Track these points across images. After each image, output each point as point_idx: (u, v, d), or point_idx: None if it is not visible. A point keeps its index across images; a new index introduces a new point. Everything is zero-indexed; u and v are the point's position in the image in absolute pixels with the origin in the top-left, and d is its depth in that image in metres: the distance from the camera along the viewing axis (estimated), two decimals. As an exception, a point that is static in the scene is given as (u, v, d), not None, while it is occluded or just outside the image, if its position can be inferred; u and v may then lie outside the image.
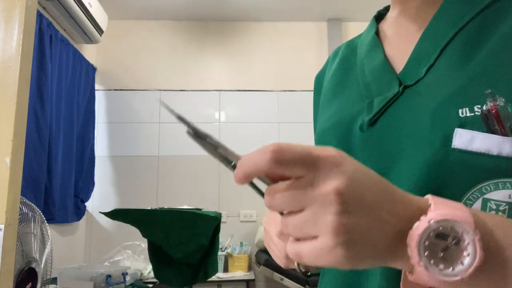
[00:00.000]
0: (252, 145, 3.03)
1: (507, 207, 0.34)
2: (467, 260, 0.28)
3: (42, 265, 1.33)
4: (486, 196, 0.35)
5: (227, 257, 2.76)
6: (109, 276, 1.84)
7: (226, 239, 2.81)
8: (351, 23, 3.37)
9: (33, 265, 1.27)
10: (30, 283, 1.24)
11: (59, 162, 2.50)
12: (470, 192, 0.36)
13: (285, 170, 0.28)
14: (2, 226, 0.93)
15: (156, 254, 1.59)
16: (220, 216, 1.72)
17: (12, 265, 0.97)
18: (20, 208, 1.10)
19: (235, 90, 3.23)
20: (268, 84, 3.21)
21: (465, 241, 0.28)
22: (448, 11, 0.47)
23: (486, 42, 0.41)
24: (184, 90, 3.22)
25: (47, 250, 1.37)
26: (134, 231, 1.58)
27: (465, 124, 0.37)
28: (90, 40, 2.81)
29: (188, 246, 1.57)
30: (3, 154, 0.98)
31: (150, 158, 3.11)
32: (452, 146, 0.37)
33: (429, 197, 0.31)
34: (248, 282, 2.59)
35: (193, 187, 3.05)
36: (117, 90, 3.20)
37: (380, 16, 0.62)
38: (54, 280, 1.79)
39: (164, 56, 3.28)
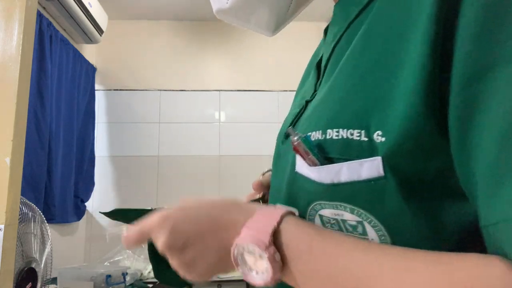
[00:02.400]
0: (252, 145, 3.03)
1: (335, 221, 0.38)
2: (266, 271, 0.36)
3: (42, 265, 1.33)
4: (320, 212, 0.39)
5: (227, 257, 2.76)
6: (109, 276, 1.84)
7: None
8: (351, 23, 3.37)
9: (33, 265, 1.27)
10: (30, 283, 1.24)
11: (59, 162, 2.50)
12: (310, 208, 0.40)
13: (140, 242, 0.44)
14: (2, 226, 0.93)
15: (156, 254, 1.58)
16: (220, 216, 1.71)
17: (12, 265, 0.97)
18: (20, 208, 1.10)
19: (235, 90, 3.23)
20: (268, 84, 3.21)
21: (262, 258, 0.36)
22: (335, 23, 0.47)
23: (344, 58, 0.41)
24: (184, 90, 3.22)
25: (47, 250, 1.37)
26: (134, 231, 1.59)
27: None
28: (90, 40, 2.81)
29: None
30: (3, 154, 0.98)
31: (150, 158, 3.11)
32: (295, 169, 0.41)
33: (252, 217, 0.38)
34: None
35: (193, 187, 3.05)
36: (117, 90, 3.20)
37: None
38: (54, 280, 1.79)
39: (164, 56, 3.28)
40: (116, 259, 2.48)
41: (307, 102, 0.47)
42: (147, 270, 2.41)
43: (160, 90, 3.22)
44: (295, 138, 0.38)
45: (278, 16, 0.52)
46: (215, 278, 2.35)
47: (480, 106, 0.29)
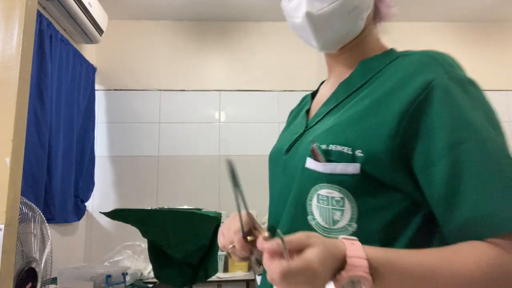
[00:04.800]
0: (252, 145, 3.02)
1: (326, 198, 0.61)
2: None
3: (42, 265, 1.33)
4: (318, 192, 0.62)
5: (227, 257, 2.75)
6: (109, 276, 1.84)
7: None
8: (351, 23, 3.37)
9: (33, 265, 1.27)
10: (30, 283, 1.24)
11: (59, 162, 2.50)
12: (313, 188, 0.62)
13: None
14: (2, 226, 0.93)
15: (156, 254, 1.59)
16: (220, 216, 1.72)
17: (12, 265, 0.97)
18: (20, 208, 1.10)
19: (235, 90, 3.23)
20: (268, 84, 3.21)
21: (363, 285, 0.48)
22: (350, 81, 0.70)
23: (355, 102, 0.65)
24: (184, 90, 3.22)
25: (47, 250, 1.37)
26: (134, 231, 1.58)
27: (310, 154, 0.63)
28: (90, 40, 2.81)
29: (188, 246, 1.57)
30: (3, 154, 0.98)
31: (150, 158, 3.11)
32: (305, 166, 0.64)
33: (344, 251, 0.50)
34: (248, 282, 2.59)
35: (193, 187, 3.05)
36: (117, 90, 3.20)
37: None
38: (54, 280, 1.79)
39: (164, 56, 3.28)
40: (116, 259, 2.48)
41: (305, 131, 0.72)
42: (147, 270, 2.41)
43: (160, 90, 3.22)
44: (315, 145, 0.62)
45: (334, 41, 0.71)
46: (215, 278, 2.35)
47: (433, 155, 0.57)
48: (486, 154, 0.53)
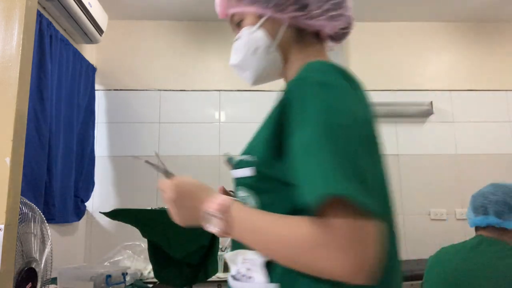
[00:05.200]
0: (252, 145, 2.94)
1: (242, 198, 0.73)
2: (218, 226, 0.66)
3: (42, 265, 1.33)
4: (238, 193, 0.75)
5: (227, 257, 2.75)
6: (109, 276, 1.84)
7: (226, 239, 2.81)
8: (351, 23, 3.37)
9: (33, 265, 1.27)
10: (30, 283, 1.24)
11: (59, 162, 2.50)
12: (237, 192, 0.76)
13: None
14: (2, 226, 0.93)
15: (156, 254, 1.59)
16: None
17: (12, 265, 0.97)
18: (20, 208, 1.10)
19: (235, 90, 3.23)
20: (268, 84, 3.20)
21: (216, 217, 0.66)
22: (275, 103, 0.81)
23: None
24: (184, 90, 3.22)
25: (47, 250, 1.37)
26: (134, 231, 1.58)
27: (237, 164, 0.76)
28: (90, 40, 2.81)
29: (188, 246, 1.57)
30: (3, 154, 0.98)
31: (150, 158, 3.11)
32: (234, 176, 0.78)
33: (212, 193, 0.73)
34: (248, 282, 2.59)
35: (193, 187, 3.05)
36: (117, 90, 3.20)
37: None
38: (54, 280, 1.79)
39: (164, 56, 3.28)
40: (116, 259, 2.48)
41: None
42: (147, 270, 2.41)
43: (160, 90, 3.22)
44: (224, 157, 0.87)
45: (257, 78, 0.90)
46: (215, 278, 2.35)
47: (293, 145, 0.63)
48: (310, 143, 0.58)
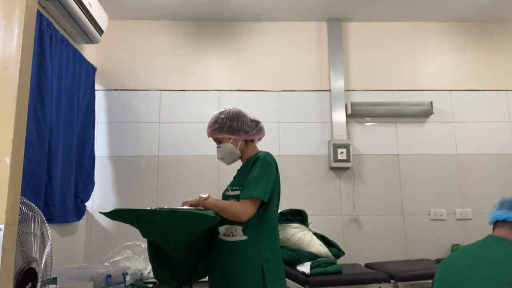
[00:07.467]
0: (252, 145, 2.89)
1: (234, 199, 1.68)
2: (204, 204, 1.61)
3: (42, 265, 1.33)
4: (230, 198, 1.73)
5: (227, 257, 2.75)
6: (109, 276, 1.84)
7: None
8: (351, 23, 3.37)
9: (33, 265, 1.27)
10: (30, 283, 1.24)
11: (59, 162, 2.50)
12: (229, 198, 1.72)
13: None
14: (2, 226, 0.93)
15: (156, 254, 1.59)
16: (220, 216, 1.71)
17: (12, 265, 0.97)
18: (20, 208, 1.10)
19: (235, 90, 3.23)
20: (268, 84, 3.21)
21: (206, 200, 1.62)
22: (242, 168, 1.77)
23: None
24: (184, 90, 3.22)
25: (47, 250, 1.37)
26: (134, 231, 1.57)
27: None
28: (90, 40, 2.81)
29: (188, 246, 1.57)
30: (3, 154, 0.97)
31: (150, 158, 3.11)
32: (226, 194, 1.76)
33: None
34: (248, 282, 2.59)
35: (193, 187, 3.05)
36: (117, 90, 3.20)
37: None
38: (54, 280, 1.79)
39: (164, 56, 3.28)
40: (116, 259, 2.48)
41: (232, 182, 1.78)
42: (147, 270, 2.41)
43: (160, 90, 3.22)
44: (228, 188, 1.77)
45: (230, 162, 1.79)
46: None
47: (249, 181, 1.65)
48: (255, 178, 1.59)
